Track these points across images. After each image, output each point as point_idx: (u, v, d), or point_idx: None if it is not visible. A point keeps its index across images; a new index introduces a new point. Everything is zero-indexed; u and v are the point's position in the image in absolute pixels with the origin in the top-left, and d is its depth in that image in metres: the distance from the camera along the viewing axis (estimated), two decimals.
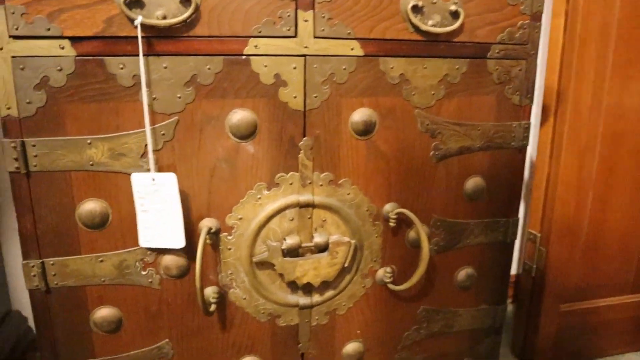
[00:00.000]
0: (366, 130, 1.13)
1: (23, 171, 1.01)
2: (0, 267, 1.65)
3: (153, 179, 1.03)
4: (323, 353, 1.27)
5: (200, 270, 1.05)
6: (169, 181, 1.03)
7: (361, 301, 1.26)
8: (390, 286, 1.23)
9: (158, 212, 1.05)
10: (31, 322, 1.72)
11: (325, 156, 1.13)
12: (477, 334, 1.39)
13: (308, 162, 1.12)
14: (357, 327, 1.28)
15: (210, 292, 1.14)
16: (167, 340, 1.17)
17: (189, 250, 1.12)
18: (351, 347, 1.29)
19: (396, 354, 1.33)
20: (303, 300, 1.20)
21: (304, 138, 1.11)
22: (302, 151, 1.11)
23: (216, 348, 1.21)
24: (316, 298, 1.21)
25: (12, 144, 1.00)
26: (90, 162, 1.03)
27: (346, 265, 1.18)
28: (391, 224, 1.19)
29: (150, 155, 1.03)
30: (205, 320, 1.18)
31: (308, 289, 1.20)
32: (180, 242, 1.07)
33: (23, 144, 1.00)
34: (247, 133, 1.07)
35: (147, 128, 1.01)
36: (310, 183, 1.13)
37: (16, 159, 1.01)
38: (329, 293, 1.22)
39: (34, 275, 1.08)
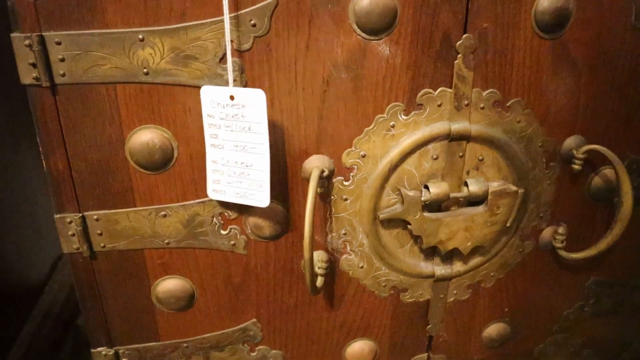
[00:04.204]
0: (556, 23, 0.68)
1: (45, 84, 0.62)
2: (48, 204, 1.31)
3: (231, 97, 0.63)
4: (457, 336, 0.89)
5: (311, 231, 0.66)
6: (255, 101, 0.62)
7: (515, 271, 0.85)
8: (562, 253, 0.82)
9: (236, 148, 0.65)
10: None
11: (492, 64, 0.69)
12: None
13: (468, 72, 0.69)
14: (505, 304, 0.88)
15: (315, 259, 0.75)
16: (254, 320, 0.80)
17: (288, 201, 0.72)
18: (494, 328, 0.90)
19: (549, 337, 0.93)
20: (441, 269, 0.80)
21: (465, 35, 0.67)
22: (460, 55, 0.68)
23: (319, 330, 0.83)
24: (458, 267, 0.81)
25: (26, 41, 0.60)
26: (145, 70, 0.63)
27: (508, 224, 0.77)
28: (575, 167, 0.76)
29: (229, 59, 0.61)
30: (305, 296, 0.80)
31: (449, 255, 0.80)
32: (264, 199, 0.68)
33: (43, 41, 0.60)
34: (382, 25, 0.64)
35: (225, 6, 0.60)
36: (467, 105, 0.71)
37: (34, 65, 0.61)
38: (476, 260, 0.81)
39: (73, 235, 0.71)
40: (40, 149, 0.66)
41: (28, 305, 1.21)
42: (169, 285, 0.76)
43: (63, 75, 0.62)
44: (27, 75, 0.62)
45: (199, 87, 0.64)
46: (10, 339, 1.13)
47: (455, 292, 0.84)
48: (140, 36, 0.61)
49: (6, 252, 1.14)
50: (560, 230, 0.81)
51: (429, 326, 0.86)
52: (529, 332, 0.92)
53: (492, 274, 0.84)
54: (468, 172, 0.75)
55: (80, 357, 1.31)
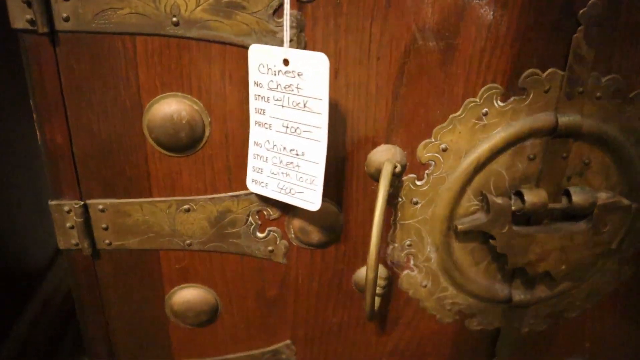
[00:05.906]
0: None
1: (42, 29, 0.46)
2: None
3: (286, 61, 0.46)
4: None
5: (378, 243, 0.49)
6: (315, 69, 0.46)
7: (605, 300, 0.68)
8: None
9: (286, 130, 0.49)
10: None
11: (620, 42, 0.52)
12: None
13: (588, 50, 0.52)
14: (587, 339, 0.72)
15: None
16: (287, 342, 0.64)
17: (342, 201, 0.56)
18: None
19: None
20: (520, 294, 0.64)
21: (591, 1, 0.50)
22: (581, 28, 0.51)
23: (364, 356, 0.67)
24: (540, 292, 0.64)
25: None
26: (174, 19, 0.47)
27: (614, 246, 0.60)
28: None
29: (287, 9, 0.45)
30: (353, 317, 0.64)
31: (531, 277, 0.63)
32: (314, 200, 0.51)
33: None
34: None
35: None
36: (581, 92, 0.54)
37: (28, 3, 0.45)
38: (563, 285, 0.65)
39: (71, 228, 0.55)
40: (34, 115, 0.50)
41: (26, 294, 1.06)
42: (188, 295, 0.60)
43: (66, 19, 0.46)
44: (19, 18, 0.46)
45: (244, 47, 0.47)
46: (4, 332, 0.99)
47: (532, 321, 0.67)
48: None
49: (4, 234, 0.99)
50: None
51: (495, 359, 0.70)
52: None
53: (577, 302, 0.67)
54: (569, 178, 0.58)
55: (81, 355, 1.16)
